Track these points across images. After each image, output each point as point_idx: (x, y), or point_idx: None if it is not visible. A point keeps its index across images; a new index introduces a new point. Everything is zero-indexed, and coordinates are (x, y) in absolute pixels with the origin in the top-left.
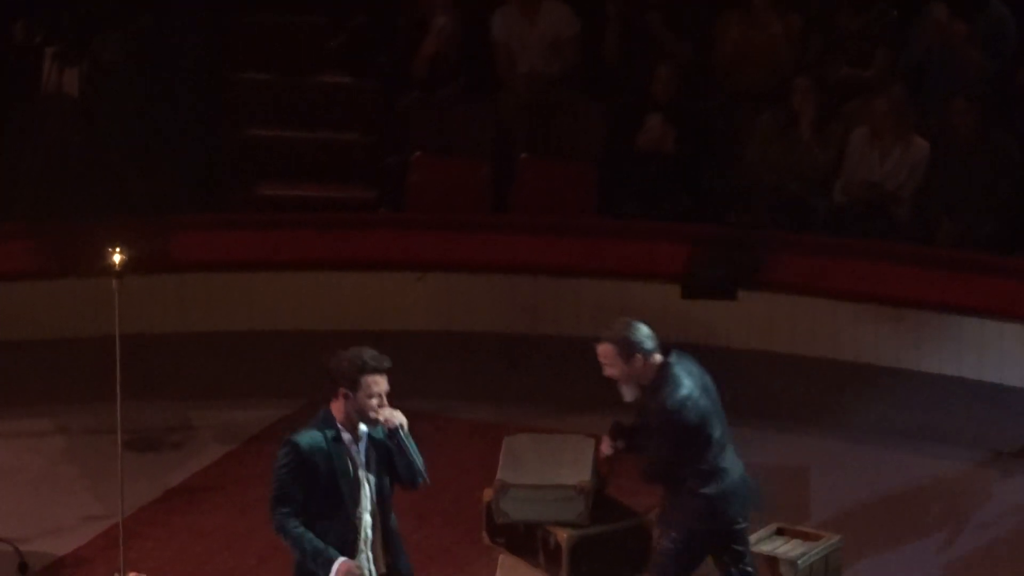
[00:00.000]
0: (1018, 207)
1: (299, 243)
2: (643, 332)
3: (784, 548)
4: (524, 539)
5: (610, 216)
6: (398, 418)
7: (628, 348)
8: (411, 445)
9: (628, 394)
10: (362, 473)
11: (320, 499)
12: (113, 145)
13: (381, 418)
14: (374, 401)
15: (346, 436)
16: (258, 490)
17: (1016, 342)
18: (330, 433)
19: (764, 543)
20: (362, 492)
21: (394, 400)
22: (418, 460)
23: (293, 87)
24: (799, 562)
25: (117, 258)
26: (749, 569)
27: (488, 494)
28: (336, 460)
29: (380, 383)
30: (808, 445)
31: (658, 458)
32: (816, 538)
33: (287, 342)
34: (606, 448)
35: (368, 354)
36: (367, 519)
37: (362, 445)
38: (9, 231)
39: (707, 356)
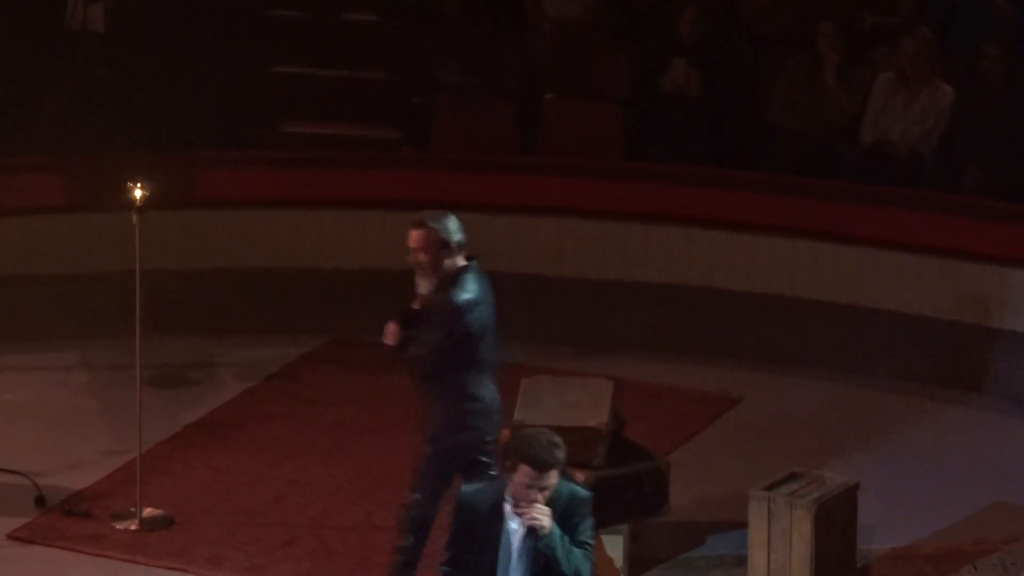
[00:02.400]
0: None
1: (322, 181)
2: (460, 227)
3: (799, 491)
4: None
5: (635, 159)
6: (537, 521)
7: (446, 239)
8: (556, 552)
9: (425, 286)
10: (514, 547)
11: (470, 557)
12: (137, 82)
13: (520, 513)
14: (524, 492)
15: (507, 506)
16: (277, 428)
17: None
18: (492, 497)
19: (780, 487)
20: (509, 565)
21: None
22: (568, 566)
23: (319, 24)
24: (815, 504)
25: (138, 193)
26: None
27: (505, 435)
28: (489, 524)
29: (538, 478)
30: (826, 391)
31: (430, 351)
32: (832, 482)
33: (309, 280)
34: (391, 337)
35: (542, 444)
36: None
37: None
38: (32, 165)
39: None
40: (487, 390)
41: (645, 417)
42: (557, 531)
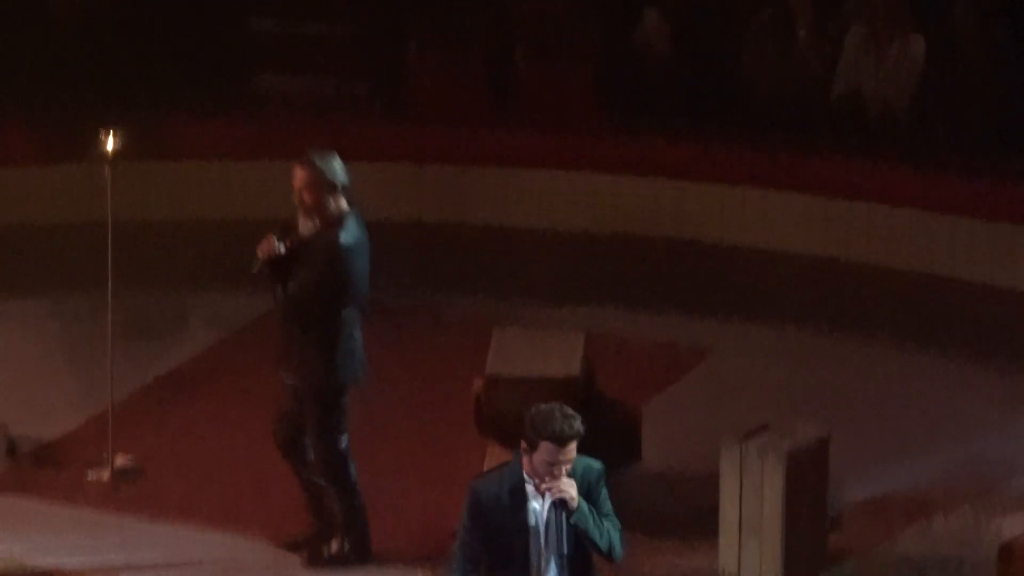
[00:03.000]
0: (1018, 107)
1: (293, 134)
2: (344, 169)
3: (771, 442)
4: (514, 430)
5: (606, 113)
6: (567, 494)
7: (331, 180)
8: (588, 525)
9: (306, 226)
10: (542, 528)
11: (496, 552)
12: (110, 37)
13: (547, 488)
14: (547, 468)
15: (530, 488)
16: (248, 379)
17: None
18: (509, 482)
19: (751, 438)
20: (540, 547)
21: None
22: (600, 538)
23: None
24: (786, 456)
25: (111, 145)
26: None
27: (478, 386)
28: (512, 512)
29: (560, 452)
30: (799, 344)
31: (308, 291)
32: (804, 434)
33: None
34: (266, 249)
35: (559, 418)
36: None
37: (548, 498)
38: (4, 117)
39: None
40: (356, 335)
41: (617, 369)
42: (585, 504)
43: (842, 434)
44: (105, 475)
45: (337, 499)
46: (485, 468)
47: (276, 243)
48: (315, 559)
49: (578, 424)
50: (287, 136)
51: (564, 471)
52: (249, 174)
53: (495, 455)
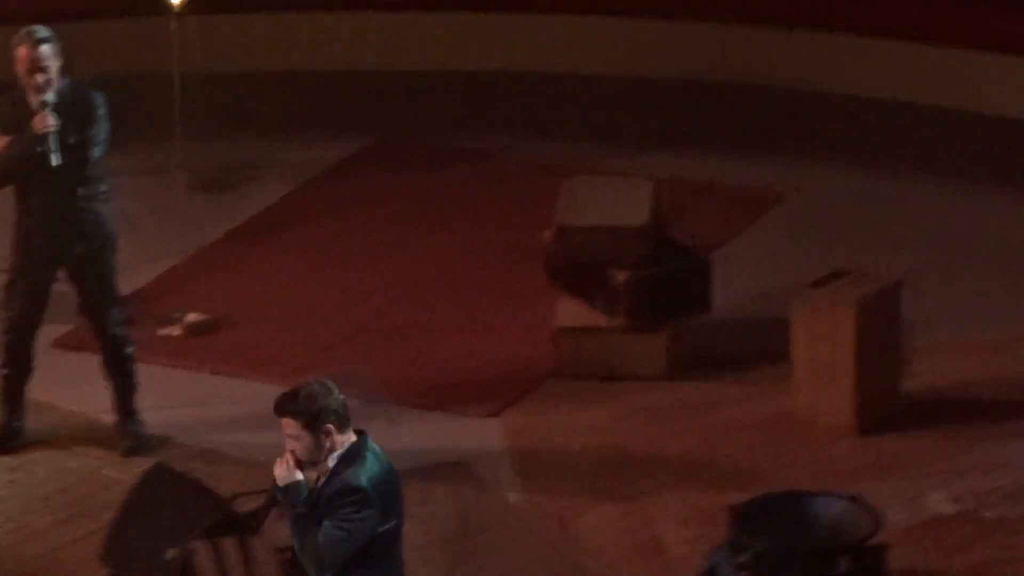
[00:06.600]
0: None
1: None
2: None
3: (843, 287)
4: (584, 280)
5: None
6: (277, 478)
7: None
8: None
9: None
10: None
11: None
12: None
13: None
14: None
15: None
16: (323, 230)
17: None
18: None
19: (824, 284)
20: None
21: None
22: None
23: None
24: (859, 301)
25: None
26: None
27: (548, 235)
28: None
29: (286, 427)
30: (875, 186)
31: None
32: (877, 278)
33: (353, 81)
34: None
35: (302, 393)
36: None
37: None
38: None
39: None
40: None
41: (688, 215)
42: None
43: (919, 278)
44: (179, 329)
45: None
46: (557, 318)
47: None
48: None
49: (292, 404)
50: None
51: (289, 451)
52: (321, 24)
53: (566, 305)
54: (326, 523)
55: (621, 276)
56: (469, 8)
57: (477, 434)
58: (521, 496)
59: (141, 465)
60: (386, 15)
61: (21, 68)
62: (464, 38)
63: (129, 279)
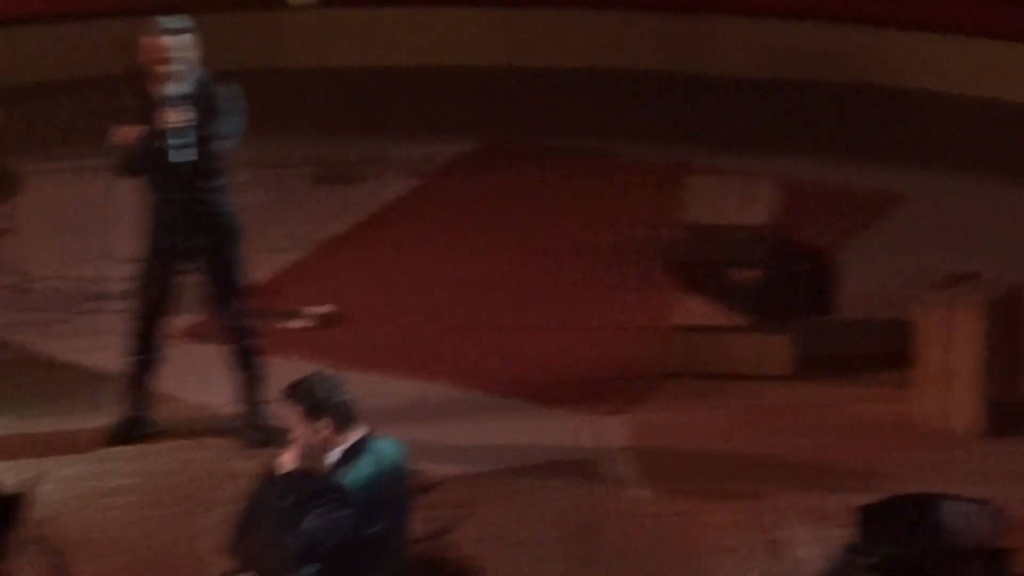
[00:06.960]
0: None
1: None
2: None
3: (966, 291)
4: (703, 278)
5: None
6: (277, 465)
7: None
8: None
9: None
10: None
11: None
12: None
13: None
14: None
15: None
16: (435, 224)
17: None
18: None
19: (946, 289)
20: None
21: None
22: None
23: None
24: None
25: None
26: None
27: (668, 234)
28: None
29: (289, 414)
30: (995, 193)
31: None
32: (1000, 283)
33: (470, 78)
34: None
35: (307, 382)
36: None
37: None
38: None
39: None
40: None
41: (809, 216)
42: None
43: None
44: (304, 322)
45: None
46: (675, 316)
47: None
48: None
49: (294, 391)
50: None
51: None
52: (436, 21)
53: (685, 304)
54: (305, 518)
55: (743, 275)
56: (573, 5)
57: (598, 432)
58: (641, 494)
59: (266, 457)
60: (496, 11)
61: (145, 58)
62: (571, 35)
63: (256, 270)
